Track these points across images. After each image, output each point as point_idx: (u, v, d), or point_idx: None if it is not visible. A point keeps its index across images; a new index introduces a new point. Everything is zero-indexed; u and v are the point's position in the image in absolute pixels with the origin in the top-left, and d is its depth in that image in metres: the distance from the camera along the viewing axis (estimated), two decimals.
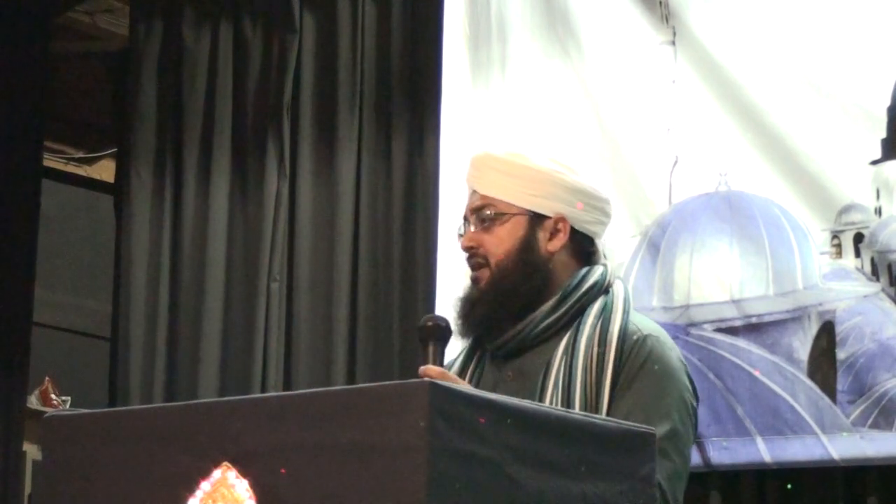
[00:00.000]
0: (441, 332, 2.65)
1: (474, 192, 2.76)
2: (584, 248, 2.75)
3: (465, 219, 2.76)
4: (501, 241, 2.69)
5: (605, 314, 2.66)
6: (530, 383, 2.64)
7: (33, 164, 6.03)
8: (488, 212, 2.71)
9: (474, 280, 2.72)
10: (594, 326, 2.64)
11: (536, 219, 2.70)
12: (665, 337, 2.68)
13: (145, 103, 5.74)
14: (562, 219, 2.71)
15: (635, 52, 4.78)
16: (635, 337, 2.63)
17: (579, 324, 2.66)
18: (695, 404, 2.68)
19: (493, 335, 2.72)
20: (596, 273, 2.71)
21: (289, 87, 5.49)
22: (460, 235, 2.78)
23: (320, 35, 5.54)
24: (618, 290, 2.70)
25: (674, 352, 2.67)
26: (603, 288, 2.70)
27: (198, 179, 5.63)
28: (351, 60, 5.43)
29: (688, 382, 2.66)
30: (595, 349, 2.62)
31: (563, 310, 2.67)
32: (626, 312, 2.67)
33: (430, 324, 2.67)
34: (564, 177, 2.72)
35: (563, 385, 2.61)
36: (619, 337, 2.62)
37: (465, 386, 2.58)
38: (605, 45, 4.85)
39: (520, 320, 2.69)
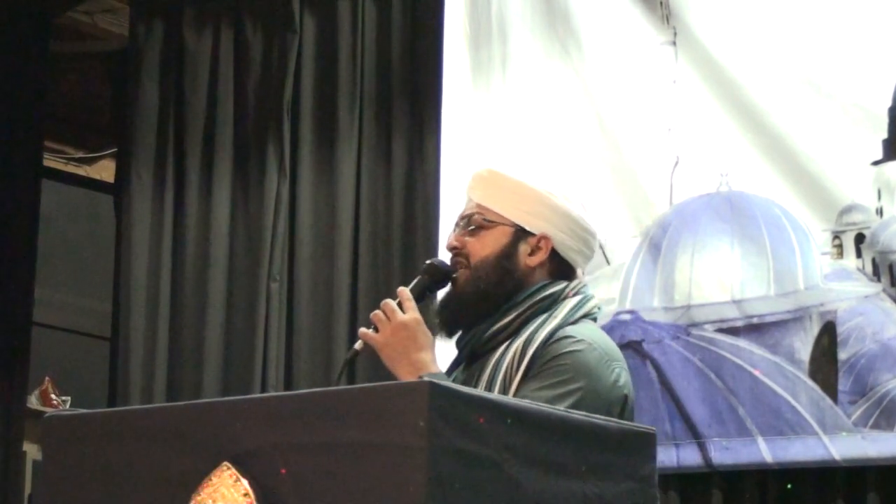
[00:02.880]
0: (434, 270, 2.84)
1: (470, 200, 2.87)
2: (562, 273, 2.81)
3: (456, 224, 2.88)
4: (484, 246, 2.80)
5: (543, 321, 2.71)
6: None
7: (33, 164, 6.03)
8: (477, 217, 2.82)
9: (453, 280, 2.83)
10: (531, 332, 2.70)
11: (521, 233, 2.80)
12: (595, 344, 2.67)
13: (145, 103, 5.74)
14: (545, 237, 2.80)
15: (636, 52, 4.78)
16: (559, 336, 2.67)
17: (519, 332, 2.72)
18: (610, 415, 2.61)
19: (460, 336, 2.80)
20: (552, 287, 2.78)
21: (289, 88, 5.49)
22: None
23: (320, 35, 5.54)
24: (568, 302, 2.75)
25: (594, 354, 2.65)
26: (556, 301, 2.76)
27: (198, 179, 5.62)
28: (351, 61, 5.43)
29: (601, 397, 2.62)
30: (520, 348, 2.68)
31: (509, 318, 2.74)
32: (565, 319, 2.71)
33: (430, 261, 2.87)
34: (554, 200, 2.81)
35: (486, 384, 2.67)
36: (544, 338, 2.67)
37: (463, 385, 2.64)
38: (606, 46, 4.85)
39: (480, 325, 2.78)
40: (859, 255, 4.27)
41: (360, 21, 5.43)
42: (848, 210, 4.30)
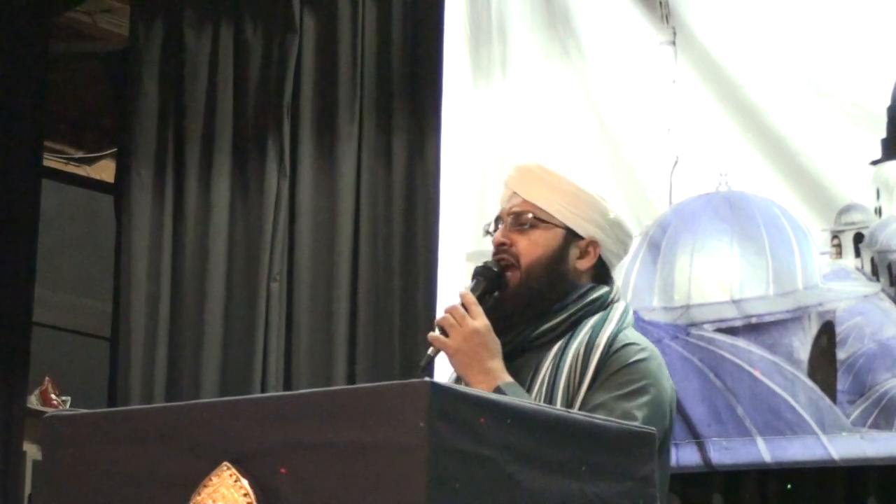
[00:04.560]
0: (489, 273, 2.79)
1: (515, 195, 2.85)
2: (601, 275, 2.85)
3: (500, 218, 2.86)
4: (536, 246, 2.79)
5: (598, 325, 2.74)
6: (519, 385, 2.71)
7: (33, 164, 6.03)
8: (529, 216, 2.81)
9: (503, 284, 2.80)
10: (587, 334, 2.73)
11: (571, 236, 2.81)
12: (653, 352, 2.75)
13: (145, 103, 5.74)
14: (594, 242, 2.82)
15: (635, 52, 4.78)
16: (622, 343, 2.71)
17: (573, 333, 2.74)
18: (669, 420, 2.72)
19: (505, 334, 2.78)
20: (599, 290, 2.81)
21: (289, 87, 5.49)
22: (487, 232, 2.88)
23: (320, 35, 5.54)
24: (618, 306, 2.80)
25: (656, 363, 2.73)
26: (605, 305, 2.79)
27: (198, 179, 5.63)
28: (351, 60, 5.43)
29: (666, 402, 2.71)
30: (582, 352, 2.70)
31: (560, 318, 2.76)
32: (619, 324, 2.75)
33: (482, 265, 2.81)
34: (606, 206, 2.84)
35: (548, 384, 2.69)
36: (606, 342, 2.71)
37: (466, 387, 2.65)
38: (606, 45, 4.85)
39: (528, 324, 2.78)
40: (858, 254, 4.27)
41: (360, 21, 5.43)
42: (847, 210, 4.31)
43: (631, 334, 2.75)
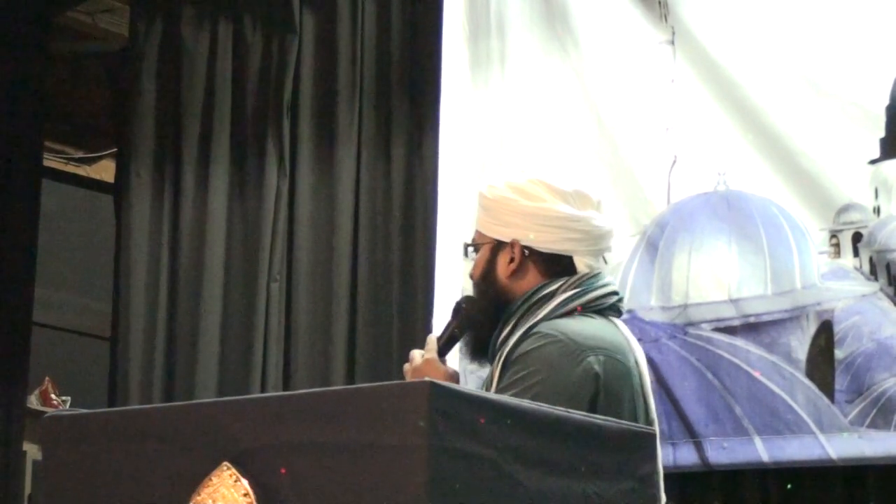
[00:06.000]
0: (456, 309, 2.88)
1: None
2: (561, 269, 2.77)
3: None
4: (475, 270, 2.85)
5: (522, 323, 2.72)
6: None
7: (33, 164, 6.04)
8: (471, 245, 2.89)
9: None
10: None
11: (499, 246, 2.82)
12: (571, 338, 2.63)
13: (145, 103, 5.74)
14: (514, 243, 2.79)
15: (634, 51, 4.78)
16: (528, 336, 2.66)
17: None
18: (588, 405, 2.58)
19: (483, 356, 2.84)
20: (549, 287, 2.74)
21: (289, 87, 5.49)
22: None
23: (320, 35, 5.54)
24: (558, 297, 2.72)
25: (555, 347, 2.62)
26: (552, 298, 2.73)
27: (197, 179, 5.63)
28: (351, 60, 5.43)
29: (565, 388, 2.57)
30: (500, 355, 2.70)
31: (508, 327, 2.74)
32: (544, 318, 2.69)
33: (459, 302, 2.90)
34: (516, 203, 2.79)
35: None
36: (517, 339, 2.68)
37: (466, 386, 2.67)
38: (604, 44, 4.86)
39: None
40: (856, 254, 4.27)
41: (360, 21, 5.44)
42: (845, 209, 4.31)
43: (551, 323, 2.67)
